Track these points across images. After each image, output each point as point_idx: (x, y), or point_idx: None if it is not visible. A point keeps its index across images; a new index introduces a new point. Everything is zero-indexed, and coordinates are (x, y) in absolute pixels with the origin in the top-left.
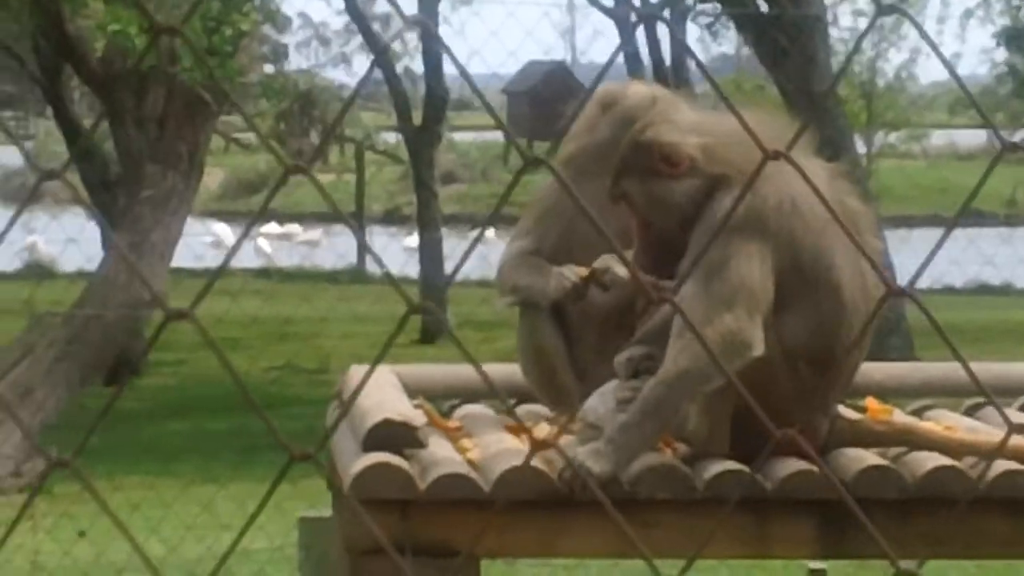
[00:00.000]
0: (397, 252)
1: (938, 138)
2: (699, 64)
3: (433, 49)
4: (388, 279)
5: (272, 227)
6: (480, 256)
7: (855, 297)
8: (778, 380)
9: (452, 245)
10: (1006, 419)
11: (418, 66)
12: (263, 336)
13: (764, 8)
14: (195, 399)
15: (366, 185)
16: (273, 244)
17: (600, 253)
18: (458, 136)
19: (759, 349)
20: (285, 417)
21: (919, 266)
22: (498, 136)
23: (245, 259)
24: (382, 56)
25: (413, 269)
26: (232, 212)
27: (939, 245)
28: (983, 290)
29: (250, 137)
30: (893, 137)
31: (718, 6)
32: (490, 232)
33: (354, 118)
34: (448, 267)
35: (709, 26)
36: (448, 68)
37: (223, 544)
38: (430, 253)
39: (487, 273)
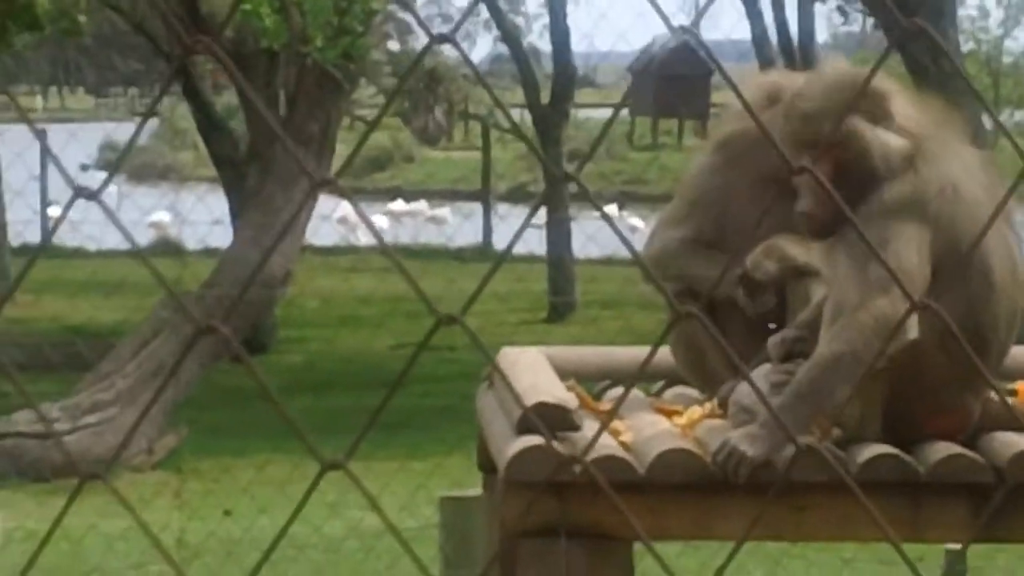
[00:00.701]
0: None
1: None
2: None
3: (561, 26)
4: (663, 295)
5: (399, 204)
6: (608, 234)
7: (1004, 279)
8: (930, 362)
9: (578, 224)
10: None
11: (541, 43)
12: (389, 314)
13: None
14: (327, 375)
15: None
16: (400, 220)
17: (749, 234)
18: (582, 113)
19: (913, 333)
20: (414, 395)
21: None
22: (623, 114)
23: (371, 236)
24: (510, 38)
25: (539, 247)
26: (358, 189)
27: None
28: None
29: (374, 114)
30: (1020, 115)
31: None
32: (613, 209)
33: (479, 96)
34: (576, 245)
35: (839, 8)
36: (575, 45)
37: (367, 523)
38: (558, 231)
39: (614, 251)
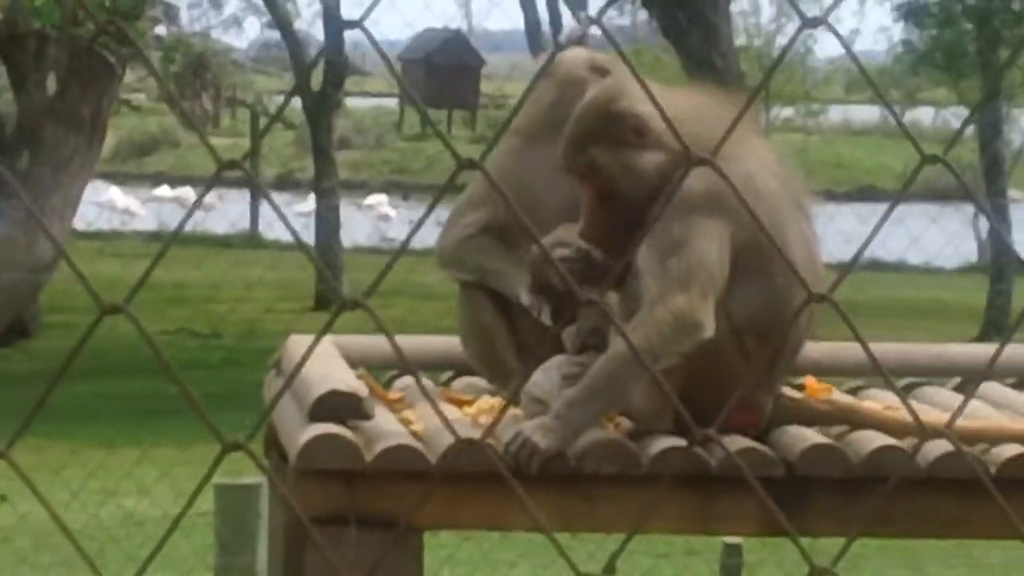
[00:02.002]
0: (290, 218)
1: (834, 114)
2: None
3: (334, 14)
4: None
5: (164, 190)
6: (374, 224)
7: (806, 273)
8: (725, 356)
9: (345, 212)
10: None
11: (314, 30)
12: (155, 300)
13: None
14: (93, 361)
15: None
16: (164, 207)
17: (546, 218)
18: (351, 102)
19: (710, 331)
20: (184, 382)
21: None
22: (392, 103)
23: (139, 222)
24: (283, 24)
25: (305, 235)
26: (124, 174)
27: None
28: (877, 267)
29: (141, 99)
30: (790, 112)
31: None
32: (382, 197)
33: (247, 82)
34: (344, 234)
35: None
36: (347, 34)
37: (143, 509)
38: (327, 219)
39: (381, 241)
